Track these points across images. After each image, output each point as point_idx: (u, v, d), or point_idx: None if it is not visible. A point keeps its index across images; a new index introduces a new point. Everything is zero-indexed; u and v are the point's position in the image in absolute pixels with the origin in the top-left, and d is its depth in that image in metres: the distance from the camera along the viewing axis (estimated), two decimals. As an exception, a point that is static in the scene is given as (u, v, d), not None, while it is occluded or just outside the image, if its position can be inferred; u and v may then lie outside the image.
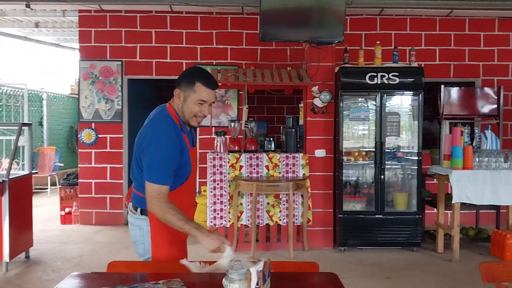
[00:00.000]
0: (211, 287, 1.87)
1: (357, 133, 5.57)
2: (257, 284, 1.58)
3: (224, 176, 5.28)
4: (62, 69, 12.10)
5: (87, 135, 6.47)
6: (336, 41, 5.35)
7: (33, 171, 5.15)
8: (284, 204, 5.23)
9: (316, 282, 1.99)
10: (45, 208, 7.58)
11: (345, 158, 5.31)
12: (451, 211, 5.05)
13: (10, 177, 4.48)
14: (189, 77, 2.24)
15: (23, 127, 4.91)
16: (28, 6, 6.16)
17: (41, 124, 9.87)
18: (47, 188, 9.12)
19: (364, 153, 5.43)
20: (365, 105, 5.46)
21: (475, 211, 5.68)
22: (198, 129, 6.65)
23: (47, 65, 12.07)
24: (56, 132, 10.42)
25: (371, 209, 5.35)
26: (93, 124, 6.51)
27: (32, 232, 5.01)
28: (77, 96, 10.95)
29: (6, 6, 6.59)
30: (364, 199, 5.47)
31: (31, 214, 5.01)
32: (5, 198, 4.39)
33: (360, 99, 5.47)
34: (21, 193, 4.75)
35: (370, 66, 5.31)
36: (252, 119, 5.62)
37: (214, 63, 6.59)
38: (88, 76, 6.49)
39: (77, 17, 6.76)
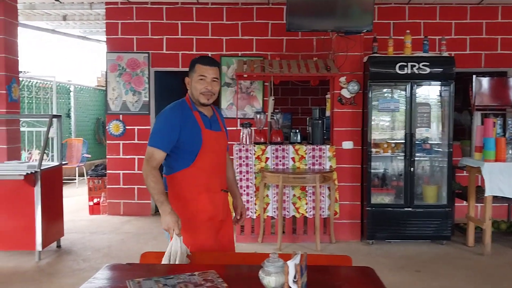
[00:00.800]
0: (247, 279, 1.86)
1: (386, 125, 5.48)
2: (295, 277, 1.56)
3: (250, 168, 5.27)
4: (88, 61, 12.26)
5: (115, 127, 6.55)
6: (364, 30, 5.25)
7: (64, 162, 5.24)
8: (310, 196, 5.20)
9: (353, 276, 1.96)
10: (74, 199, 7.72)
11: (373, 150, 5.23)
12: (482, 204, 4.94)
13: (42, 168, 4.56)
14: (191, 64, 2.54)
15: (53, 119, 4.99)
16: (57, -1, 6.25)
17: (68, 115, 10.04)
18: (75, 179, 9.29)
19: (393, 144, 5.34)
20: (394, 95, 5.36)
21: (507, 204, 5.54)
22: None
23: (73, 57, 12.24)
24: (83, 123, 10.60)
25: (400, 202, 5.27)
26: (120, 116, 6.58)
27: (63, 222, 5.11)
28: (103, 88, 11.13)
29: (36, 0, 6.68)
30: (393, 192, 5.39)
31: (62, 204, 5.11)
32: (37, 189, 4.48)
33: (389, 89, 5.37)
34: (52, 183, 4.84)
35: (400, 55, 5.20)
36: (277, 110, 5.59)
37: (239, 55, 6.57)
38: (116, 68, 6.55)
39: (104, 10, 6.82)
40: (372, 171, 5.27)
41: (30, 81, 8.80)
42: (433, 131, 5.43)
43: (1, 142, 5.46)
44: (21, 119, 7.05)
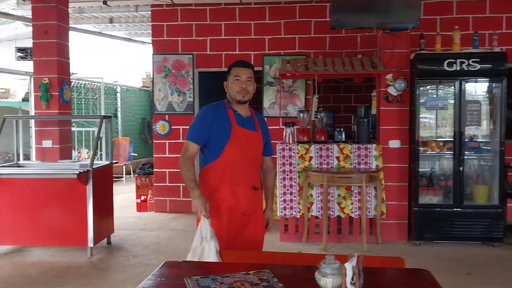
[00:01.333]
0: (302, 280, 1.87)
1: (434, 123, 5.34)
2: (353, 279, 1.56)
3: (294, 167, 5.27)
4: (133, 62, 12.57)
5: (161, 127, 6.71)
6: (410, 27, 5.14)
7: (113, 161, 5.41)
8: (356, 196, 5.14)
9: (409, 279, 1.93)
10: (121, 196, 7.95)
11: (421, 148, 5.12)
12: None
13: (93, 167, 4.73)
14: (228, 69, 2.81)
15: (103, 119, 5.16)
16: (105, 3, 6.47)
17: (115, 116, 10.35)
18: (122, 177, 9.57)
19: (441, 143, 5.20)
20: (443, 93, 5.22)
21: None
22: (265, 119, 6.68)
23: (119, 59, 12.59)
24: (129, 123, 10.90)
25: (449, 202, 5.13)
26: (166, 116, 6.73)
27: (113, 219, 5.28)
28: (148, 88, 11.40)
29: (85, 4, 6.94)
30: (441, 192, 5.26)
31: (112, 202, 5.29)
32: (89, 187, 4.65)
33: (437, 87, 5.23)
34: (103, 181, 5.01)
35: (448, 52, 5.06)
36: (321, 109, 5.55)
37: (282, 53, 6.57)
38: (161, 69, 6.70)
39: (148, 12, 6.99)
40: (420, 170, 5.15)
41: (79, 82, 9.13)
42: (483, 129, 5.26)
43: (55, 142, 5.70)
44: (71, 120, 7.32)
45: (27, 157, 7.73)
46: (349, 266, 1.56)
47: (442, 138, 5.26)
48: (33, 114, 6.51)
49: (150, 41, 8.58)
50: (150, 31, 7.08)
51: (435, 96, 5.22)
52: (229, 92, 2.76)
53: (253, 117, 2.84)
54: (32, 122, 6.93)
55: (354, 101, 8.87)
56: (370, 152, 5.15)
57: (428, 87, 5.22)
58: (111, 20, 8.40)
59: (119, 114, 10.42)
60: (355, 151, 5.17)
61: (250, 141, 2.73)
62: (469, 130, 5.13)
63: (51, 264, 4.53)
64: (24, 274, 4.25)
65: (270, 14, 6.56)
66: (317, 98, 5.44)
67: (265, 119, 2.94)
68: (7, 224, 4.68)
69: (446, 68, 4.98)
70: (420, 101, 5.09)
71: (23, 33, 9.26)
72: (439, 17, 6.28)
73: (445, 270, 4.34)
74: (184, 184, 2.76)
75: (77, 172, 4.51)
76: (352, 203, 5.15)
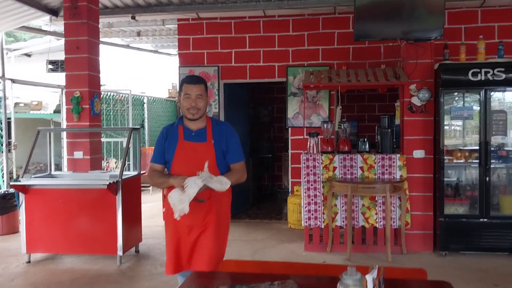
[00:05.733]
0: (324, 291, 1.93)
1: (459, 132, 5.32)
2: (373, 291, 1.62)
3: (318, 177, 5.31)
4: (160, 73, 12.85)
5: (187, 137, 6.85)
6: (434, 37, 5.14)
7: (142, 172, 5.57)
8: (380, 206, 5.15)
9: (430, 291, 1.96)
10: (148, 205, 8.12)
11: (446, 158, 5.10)
12: None
13: (122, 177, 4.89)
14: (179, 84, 2.90)
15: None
16: (133, 18, 6.68)
17: (142, 126, 10.58)
18: (149, 186, 9.76)
19: (467, 153, 5.17)
20: (468, 102, 5.20)
21: None
22: (290, 130, 6.75)
23: (146, 70, 12.88)
24: (155, 133, 11.12)
25: (475, 212, 5.09)
26: (192, 127, 6.86)
27: (141, 228, 5.42)
28: (174, 99, 11.60)
29: (114, 19, 7.17)
30: (467, 202, 5.22)
31: (140, 211, 5.44)
32: (119, 197, 4.80)
33: (461, 96, 5.22)
34: (132, 191, 5.16)
35: (472, 62, 5.04)
36: (344, 119, 5.59)
37: (305, 64, 6.65)
38: (187, 81, 6.85)
39: (175, 25, 7.18)
40: (445, 180, 5.13)
41: (108, 94, 9.40)
42: (510, 139, 5.20)
43: (85, 153, 5.90)
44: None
45: (58, 167, 7.98)
46: (369, 278, 1.62)
47: (468, 147, 5.23)
48: (64, 126, 6.76)
49: (176, 53, 8.79)
50: (176, 43, 7.27)
51: (460, 105, 5.20)
52: (181, 108, 2.84)
53: (207, 128, 2.86)
54: (64, 134, 7.18)
55: (378, 110, 8.88)
56: (394, 162, 5.16)
57: (453, 97, 5.19)
58: (138, 34, 8.64)
59: (146, 124, 10.66)
60: (379, 161, 5.19)
61: (197, 153, 2.79)
62: (495, 140, 5.09)
63: (83, 271, 4.69)
64: (57, 281, 4.42)
65: (293, 26, 6.66)
66: (340, 109, 5.48)
67: (230, 126, 2.97)
68: (40, 232, 4.88)
69: (471, 78, 4.96)
70: (445, 110, 5.08)
71: (54, 47, 9.61)
72: (463, 26, 6.27)
73: (472, 282, 4.31)
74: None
75: (107, 183, 4.67)
76: (376, 213, 5.16)
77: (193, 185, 2.62)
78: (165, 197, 2.96)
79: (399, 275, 2.16)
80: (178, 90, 2.91)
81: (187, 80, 2.84)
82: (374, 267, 1.69)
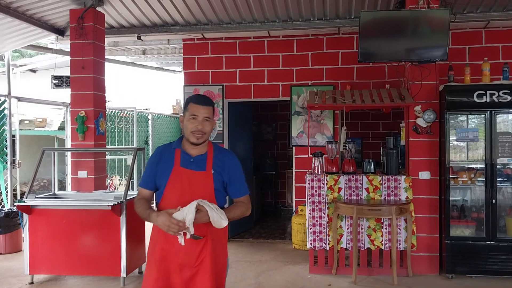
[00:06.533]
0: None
1: (465, 154, 5.29)
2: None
3: (323, 198, 5.28)
4: (164, 90, 12.90)
5: (191, 156, 6.84)
6: (439, 59, 5.14)
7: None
8: (386, 228, 5.11)
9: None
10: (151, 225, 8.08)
11: (452, 180, 5.07)
12: None
13: (127, 198, 4.87)
14: (185, 103, 2.57)
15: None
16: (139, 38, 6.72)
17: (146, 142, 10.58)
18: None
19: (472, 175, 5.14)
20: (473, 124, 5.18)
21: None
22: (294, 148, 6.74)
23: (150, 87, 12.95)
24: (159, 150, 11.09)
25: (481, 234, 5.04)
26: (197, 145, 6.87)
27: (145, 248, 5.38)
28: (178, 115, 11.62)
29: (120, 39, 7.22)
30: (473, 224, 5.17)
31: (144, 232, 5.40)
32: (123, 218, 4.77)
33: (467, 118, 5.20)
34: (136, 212, 5.12)
35: (478, 84, 5.04)
36: (349, 139, 5.58)
37: (309, 84, 6.67)
38: (192, 100, 6.87)
39: (180, 44, 7.23)
40: (451, 201, 5.09)
41: (112, 111, 9.42)
42: (516, 160, 5.17)
43: (90, 173, 5.90)
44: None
45: (61, 183, 7.98)
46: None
47: (474, 169, 5.20)
48: (69, 143, 6.76)
49: (181, 70, 8.85)
50: (181, 60, 7.32)
51: (465, 127, 5.18)
52: (184, 130, 2.52)
53: (207, 155, 2.55)
54: (69, 153, 7.18)
55: (382, 127, 8.85)
56: (400, 183, 5.13)
57: (458, 118, 5.18)
58: (144, 52, 8.70)
59: (150, 141, 10.66)
60: (385, 183, 5.16)
61: (192, 183, 2.48)
62: (501, 162, 5.06)
63: (86, 294, 4.65)
64: (60, 304, 4.38)
65: (298, 46, 6.70)
66: (345, 130, 5.48)
67: (234, 156, 2.66)
68: (44, 253, 4.84)
69: (476, 100, 4.96)
70: (450, 132, 5.07)
71: (59, 62, 9.66)
72: (467, 46, 6.29)
73: (479, 307, 4.25)
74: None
75: (112, 204, 4.65)
76: (382, 235, 5.12)
77: (189, 209, 2.32)
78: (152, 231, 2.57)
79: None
80: (182, 108, 2.60)
81: (195, 100, 2.51)
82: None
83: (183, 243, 2.38)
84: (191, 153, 2.53)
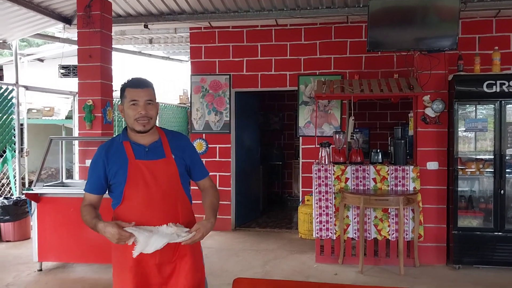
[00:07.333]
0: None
1: (473, 145, 5.25)
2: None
3: (330, 188, 5.27)
4: (171, 80, 12.87)
5: (198, 145, 6.87)
6: (448, 48, 5.09)
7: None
8: (393, 219, 5.09)
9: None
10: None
11: (460, 170, 5.04)
12: None
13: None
14: (121, 90, 2.32)
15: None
16: (146, 26, 6.70)
17: (153, 132, 10.59)
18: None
19: (481, 165, 5.10)
20: (482, 114, 5.13)
21: None
22: (301, 139, 6.72)
23: (156, 76, 12.91)
24: (166, 139, 11.11)
25: (489, 225, 5.02)
26: (204, 135, 6.89)
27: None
28: (184, 105, 11.63)
29: (127, 27, 7.20)
30: (481, 215, 5.14)
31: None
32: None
33: (476, 108, 5.15)
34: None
35: (487, 73, 4.98)
36: (357, 129, 5.55)
37: (317, 73, 6.63)
38: (199, 90, 6.87)
39: (187, 33, 7.19)
40: (459, 192, 5.06)
41: (119, 100, 9.43)
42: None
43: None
44: (112, 138, 7.56)
45: (69, 172, 8.02)
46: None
47: (483, 160, 5.16)
48: (76, 132, 6.78)
49: (187, 59, 8.81)
50: (188, 50, 7.29)
51: (474, 117, 5.13)
52: (126, 119, 2.29)
53: (162, 141, 2.36)
54: (76, 141, 7.21)
55: (390, 118, 8.81)
56: (407, 174, 5.11)
57: (467, 108, 5.13)
58: (150, 41, 8.68)
59: (157, 131, 10.66)
60: (392, 173, 5.14)
61: (156, 174, 2.27)
62: (510, 152, 5.01)
63: (94, 281, 4.69)
64: (69, 290, 4.42)
65: (305, 35, 6.65)
66: (353, 119, 5.45)
67: (188, 138, 2.52)
68: (52, 241, 4.88)
69: (486, 90, 4.90)
70: (459, 122, 5.02)
71: (67, 52, 9.67)
72: (478, 35, 6.20)
73: (486, 297, 4.24)
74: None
75: (119, 192, 4.66)
76: (389, 225, 5.11)
77: (153, 241, 2.13)
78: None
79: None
80: (121, 99, 2.30)
81: (131, 84, 2.28)
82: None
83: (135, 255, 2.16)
84: (142, 142, 2.32)
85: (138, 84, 2.28)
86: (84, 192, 2.38)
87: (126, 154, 2.28)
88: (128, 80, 2.33)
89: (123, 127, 2.38)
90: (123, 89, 2.30)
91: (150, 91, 2.29)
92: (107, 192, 2.39)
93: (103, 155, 2.30)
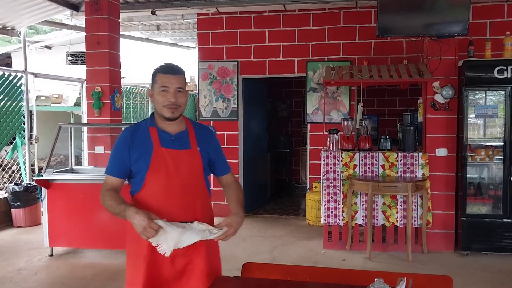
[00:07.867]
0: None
1: (483, 131, 5.21)
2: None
3: (338, 174, 5.27)
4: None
5: (206, 133, 6.86)
6: (458, 34, 5.02)
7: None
8: (401, 205, 5.09)
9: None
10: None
11: (469, 157, 5.01)
12: None
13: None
14: (152, 75, 2.25)
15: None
16: (153, 12, 6.67)
17: (161, 119, 10.61)
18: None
19: (490, 152, 5.07)
20: (493, 100, 5.08)
21: None
22: (309, 125, 6.71)
23: (164, 63, 12.90)
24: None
25: (498, 212, 5.00)
26: (211, 122, 6.88)
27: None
28: (192, 92, 11.63)
29: (134, 14, 7.18)
30: (490, 202, 5.13)
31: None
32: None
33: (486, 94, 5.10)
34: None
35: (498, 59, 4.92)
36: (366, 116, 5.53)
37: (325, 59, 6.58)
38: (207, 76, 6.86)
39: (194, 19, 7.17)
40: (468, 178, 5.04)
41: (127, 87, 9.44)
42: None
43: (106, 148, 5.96)
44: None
45: (78, 159, 8.08)
46: (398, 292, 1.59)
47: (492, 146, 5.12)
48: (85, 119, 6.82)
49: (195, 46, 8.77)
50: (195, 37, 7.26)
51: (484, 103, 5.08)
52: (155, 105, 2.25)
53: (188, 131, 2.31)
54: (85, 128, 7.25)
55: (399, 104, 8.76)
56: (416, 160, 5.09)
57: (478, 94, 5.08)
58: (158, 27, 8.66)
59: (164, 117, 10.68)
60: (401, 160, 5.12)
61: (178, 165, 2.22)
62: (521, 139, 4.97)
63: (104, 266, 4.75)
64: (79, 275, 4.49)
65: (314, 20, 6.59)
66: (362, 106, 5.42)
67: (213, 131, 2.35)
68: (62, 226, 4.94)
69: (496, 76, 4.85)
70: (469, 109, 4.98)
71: (74, 39, 9.67)
72: (489, 20, 6.12)
73: (496, 284, 4.25)
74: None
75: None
76: (397, 212, 5.11)
77: (185, 238, 2.06)
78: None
79: (422, 282, 2.12)
80: (151, 84, 2.24)
81: (164, 70, 2.22)
82: (402, 279, 1.67)
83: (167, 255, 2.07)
84: (169, 130, 2.26)
85: (170, 71, 2.22)
86: (105, 175, 2.27)
87: (151, 140, 2.22)
88: (160, 65, 2.27)
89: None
90: (155, 74, 2.24)
91: (181, 79, 2.24)
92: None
93: (128, 138, 2.24)
